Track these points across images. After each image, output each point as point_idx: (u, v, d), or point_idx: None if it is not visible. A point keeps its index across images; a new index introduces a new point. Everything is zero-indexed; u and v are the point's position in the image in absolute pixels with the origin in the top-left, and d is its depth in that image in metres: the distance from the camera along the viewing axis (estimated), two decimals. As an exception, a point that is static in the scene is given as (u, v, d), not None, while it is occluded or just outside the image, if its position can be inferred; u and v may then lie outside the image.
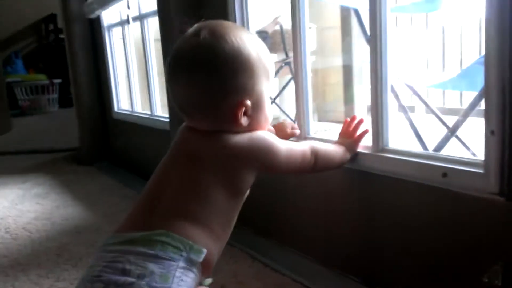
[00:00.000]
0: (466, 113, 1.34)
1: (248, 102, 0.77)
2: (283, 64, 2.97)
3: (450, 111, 2.45)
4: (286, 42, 2.79)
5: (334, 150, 0.97)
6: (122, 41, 2.41)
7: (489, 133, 0.77)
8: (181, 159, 0.79)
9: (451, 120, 1.55)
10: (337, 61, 3.17)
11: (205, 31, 0.75)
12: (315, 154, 0.90)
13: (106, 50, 2.54)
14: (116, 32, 2.51)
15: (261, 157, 0.80)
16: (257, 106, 0.79)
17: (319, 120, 3.22)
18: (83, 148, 2.75)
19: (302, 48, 1.20)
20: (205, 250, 0.71)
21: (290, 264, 1.21)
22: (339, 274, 1.13)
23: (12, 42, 6.50)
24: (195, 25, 0.78)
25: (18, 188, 2.28)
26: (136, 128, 2.29)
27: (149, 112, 2.20)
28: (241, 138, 0.79)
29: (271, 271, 1.20)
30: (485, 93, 0.78)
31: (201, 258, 0.71)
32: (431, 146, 1.43)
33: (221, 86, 0.75)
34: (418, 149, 0.97)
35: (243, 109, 0.77)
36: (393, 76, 1.83)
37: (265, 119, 0.83)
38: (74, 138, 2.90)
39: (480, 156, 0.82)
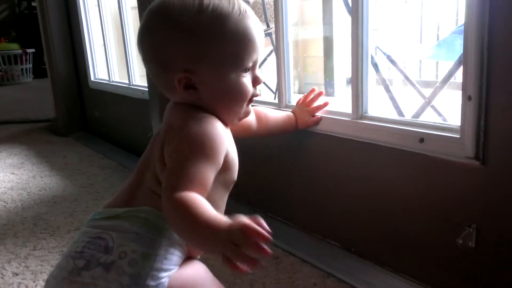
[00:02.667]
0: (444, 81, 1.36)
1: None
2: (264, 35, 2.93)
3: (427, 84, 2.48)
4: (268, 13, 2.75)
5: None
6: (97, 8, 2.34)
7: (466, 98, 0.78)
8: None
9: (427, 92, 1.57)
10: (318, 32, 3.15)
11: None
12: None
13: (81, 18, 2.46)
14: (91, -2, 2.43)
15: None
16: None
17: (300, 92, 3.23)
18: (59, 118, 2.69)
19: (283, 19, 1.19)
20: None
21: (271, 230, 1.23)
22: (320, 239, 1.16)
23: (-18, 10, 6.25)
24: None
25: (-8, 159, 2.23)
26: (114, 98, 2.25)
27: (127, 81, 2.16)
28: None
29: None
30: (463, 59, 0.78)
31: None
32: (408, 115, 1.45)
33: None
34: (396, 116, 0.98)
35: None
36: (373, 47, 1.84)
37: None
38: (50, 109, 2.84)
39: (456, 122, 0.83)
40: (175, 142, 0.65)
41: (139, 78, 2.11)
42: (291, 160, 1.20)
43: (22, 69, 5.94)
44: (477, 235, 0.82)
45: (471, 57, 0.77)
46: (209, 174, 0.63)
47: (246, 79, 0.72)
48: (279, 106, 1.22)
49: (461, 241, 0.83)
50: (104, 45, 2.36)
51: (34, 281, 1.08)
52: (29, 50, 5.90)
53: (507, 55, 0.73)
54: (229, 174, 0.74)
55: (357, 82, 1.01)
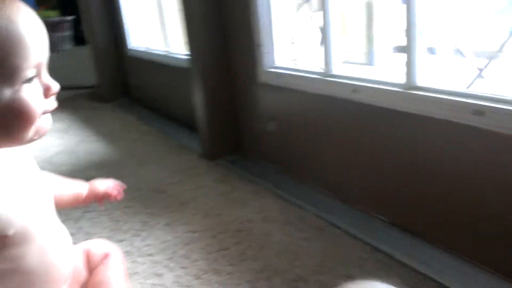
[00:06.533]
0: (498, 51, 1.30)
1: None
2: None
3: (479, 54, 2.38)
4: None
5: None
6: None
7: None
8: None
9: (480, 62, 1.50)
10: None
11: None
12: None
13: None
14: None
15: None
16: None
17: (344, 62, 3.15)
18: (102, 85, 2.75)
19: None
20: None
21: (312, 201, 1.24)
22: (359, 210, 1.16)
23: (22, -23, 6.33)
24: None
25: (38, 124, 2.31)
26: (153, 66, 2.27)
27: (166, 49, 2.17)
28: None
29: (294, 206, 1.23)
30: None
31: None
32: (462, 87, 1.40)
33: None
34: (449, 86, 0.95)
35: None
36: (424, 19, 1.77)
37: None
38: (90, 76, 2.90)
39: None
40: None
41: (178, 46, 2.11)
42: (333, 133, 1.19)
43: (58, 37, 6.04)
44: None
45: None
46: None
47: (30, 93, 0.53)
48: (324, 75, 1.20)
49: None
50: (143, 13, 2.37)
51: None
52: (68, 18, 5.98)
53: None
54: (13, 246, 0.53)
55: (409, 51, 0.98)
